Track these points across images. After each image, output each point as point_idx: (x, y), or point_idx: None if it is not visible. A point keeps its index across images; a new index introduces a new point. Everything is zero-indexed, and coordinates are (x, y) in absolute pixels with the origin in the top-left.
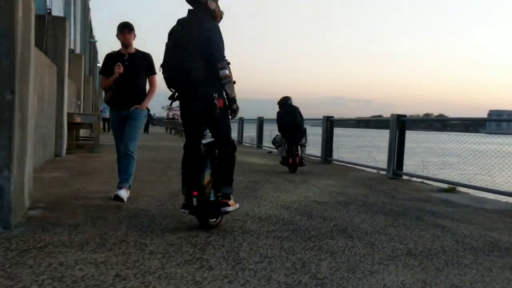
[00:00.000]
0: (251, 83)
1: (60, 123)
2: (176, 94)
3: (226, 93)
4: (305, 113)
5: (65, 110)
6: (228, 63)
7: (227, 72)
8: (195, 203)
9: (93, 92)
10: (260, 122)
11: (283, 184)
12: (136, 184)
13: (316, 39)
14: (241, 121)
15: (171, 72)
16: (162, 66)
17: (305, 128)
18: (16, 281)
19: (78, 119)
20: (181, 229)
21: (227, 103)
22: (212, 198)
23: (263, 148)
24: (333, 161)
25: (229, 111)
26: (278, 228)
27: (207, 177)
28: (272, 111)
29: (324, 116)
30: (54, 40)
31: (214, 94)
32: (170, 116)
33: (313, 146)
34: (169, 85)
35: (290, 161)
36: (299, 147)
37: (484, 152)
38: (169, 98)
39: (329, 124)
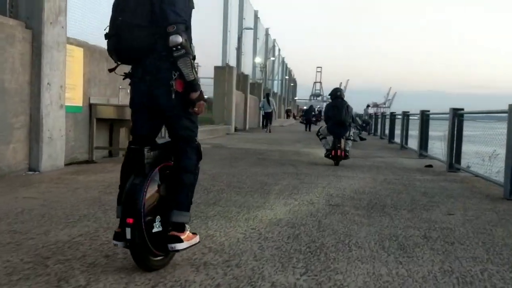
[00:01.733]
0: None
1: (36, 120)
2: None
3: (180, 73)
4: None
5: (48, 98)
6: (187, 28)
7: (179, 39)
8: (128, 234)
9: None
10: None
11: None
12: None
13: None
14: (406, 117)
15: (108, 29)
16: (110, 21)
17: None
18: None
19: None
20: (111, 269)
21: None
22: (157, 228)
23: (424, 156)
24: (461, 170)
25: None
26: None
27: (151, 195)
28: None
29: (450, 109)
30: None
31: (174, 72)
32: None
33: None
34: (108, 51)
35: (333, 153)
36: (342, 140)
37: None
38: (110, 71)
39: (458, 119)
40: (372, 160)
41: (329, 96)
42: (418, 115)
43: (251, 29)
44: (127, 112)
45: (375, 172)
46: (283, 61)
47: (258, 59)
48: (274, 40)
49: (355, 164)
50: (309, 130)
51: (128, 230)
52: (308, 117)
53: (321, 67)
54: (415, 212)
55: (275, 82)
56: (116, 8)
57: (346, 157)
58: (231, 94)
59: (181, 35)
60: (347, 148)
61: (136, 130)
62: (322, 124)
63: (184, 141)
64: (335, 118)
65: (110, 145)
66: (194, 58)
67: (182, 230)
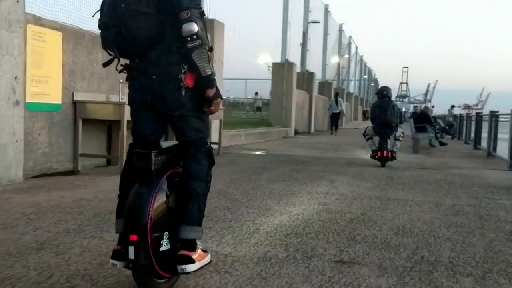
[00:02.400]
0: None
1: None
2: (118, 62)
3: (195, 66)
4: None
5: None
6: (202, 14)
7: (195, 27)
8: (132, 254)
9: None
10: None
11: None
12: None
13: None
14: (495, 117)
15: (103, 18)
16: (100, 9)
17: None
18: None
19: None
20: None
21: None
22: (165, 246)
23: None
24: None
25: (202, 101)
26: None
27: (158, 207)
28: None
29: None
30: None
31: (183, 65)
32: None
33: None
34: (102, 42)
35: (379, 154)
36: (388, 140)
37: None
38: (104, 65)
39: None
40: (445, 172)
41: (414, 98)
42: (509, 116)
43: (317, 22)
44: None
45: (442, 193)
46: (361, 60)
47: (335, 58)
48: (350, 37)
49: (420, 178)
50: None
51: (131, 249)
52: None
53: (407, 67)
54: (489, 281)
55: (352, 82)
56: None
57: (393, 158)
58: (290, 93)
59: (196, 23)
60: (395, 149)
61: (137, 131)
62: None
63: (194, 144)
64: (380, 118)
65: (108, 152)
66: (211, 49)
67: (194, 248)
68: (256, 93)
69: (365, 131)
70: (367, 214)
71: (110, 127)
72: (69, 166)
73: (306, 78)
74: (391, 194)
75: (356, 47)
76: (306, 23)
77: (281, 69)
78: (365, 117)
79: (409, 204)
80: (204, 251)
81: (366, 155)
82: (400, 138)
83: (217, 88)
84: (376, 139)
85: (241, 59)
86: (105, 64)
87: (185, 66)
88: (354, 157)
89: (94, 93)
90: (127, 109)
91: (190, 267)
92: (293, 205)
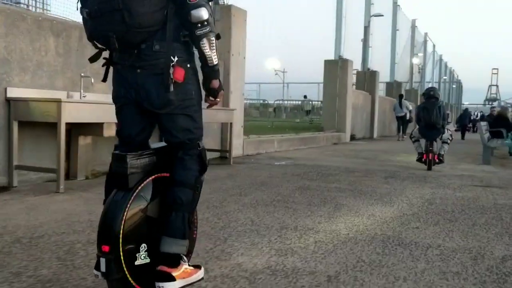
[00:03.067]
0: None
1: None
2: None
3: (202, 55)
4: None
5: None
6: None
7: (205, 14)
8: (103, 266)
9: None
10: None
11: None
12: None
13: None
14: None
15: (94, 5)
16: None
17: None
18: None
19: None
20: None
21: (197, 76)
22: (142, 260)
23: None
24: None
25: (200, 94)
26: None
27: (134, 216)
28: None
29: None
30: None
31: (172, 57)
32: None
33: None
34: (90, 34)
35: (424, 157)
36: (434, 142)
37: None
38: (91, 60)
39: None
40: None
41: (505, 101)
42: None
43: (380, 15)
44: (98, 112)
45: (494, 232)
46: (440, 59)
47: (407, 57)
48: (426, 34)
49: (473, 203)
50: (463, 139)
51: (102, 261)
52: (462, 123)
53: (497, 69)
54: None
55: (430, 83)
56: None
57: (440, 161)
58: (344, 94)
59: (206, 8)
60: (442, 152)
61: (122, 131)
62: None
63: (182, 146)
64: (424, 119)
65: (68, 164)
66: (218, 37)
67: (176, 264)
68: (305, 96)
69: (411, 133)
70: (335, 283)
71: (70, 132)
72: (4, 181)
73: (367, 77)
74: (410, 233)
75: (434, 46)
76: (368, 16)
77: (333, 67)
78: None
79: (429, 256)
80: (196, 266)
81: (419, 165)
82: (448, 141)
83: (219, 80)
84: (423, 141)
85: (286, 59)
86: (92, 59)
87: (174, 59)
88: (402, 169)
89: (44, 89)
90: (72, 108)
91: (169, 285)
92: (235, 252)
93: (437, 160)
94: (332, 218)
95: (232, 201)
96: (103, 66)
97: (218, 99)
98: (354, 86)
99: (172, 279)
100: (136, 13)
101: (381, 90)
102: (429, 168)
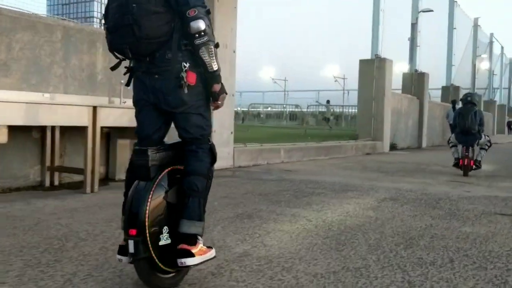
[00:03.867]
0: None
1: None
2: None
3: (202, 62)
4: None
5: None
6: (208, 12)
7: (202, 25)
8: (131, 248)
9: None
10: None
11: None
12: None
13: None
14: None
15: (111, 21)
16: (104, 15)
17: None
18: None
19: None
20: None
21: (200, 80)
22: (165, 241)
23: None
24: None
25: (209, 96)
26: None
27: (157, 203)
28: None
29: None
30: None
31: (184, 63)
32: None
33: None
34: (110, 46)
35: (460, 162)
36: (470, 148)
37: None
38: (112, 69)
39: None
40: None
41: None
42: None
43: (430, 11)
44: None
45: None
46: (510, 63)
47: (468, 58)
48: (492, 34)
49: (480, 246)
50: None
51: (130, 243)
52: None
53: None
54: None
55: (498, 89)
56: None
57: (477, 167)
58: (382, 97)
59: (203, 20)
60: (479, 158)
61: (141, 131)
62: None
63: (195, 141)
64: (459, 125)
65: (41, 171)
66: (217, 45)
67: (194, 243)
68: (328, 101)
69: (449, 139)
70: None
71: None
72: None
73: (415, 80)
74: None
75: (502, 48)
76: (416, 12)
77: (369, 68)
78: (510, 129)
79: None
80: (209, 247)
81: (455, 189)
82: (486, 147)
83: (222, 84)
84: (460, 147)
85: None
86: (113, 68)
87: (186, 64)
88: (417, 187)
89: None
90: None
91: (190, 261)
92: None
93: (473, 166)
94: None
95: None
96: (124, 74)
97: (219, 102)
98: (401, 90)
99: (192, 255)
100: (144, 27)
101: (436, 97)
102: (465, 174)
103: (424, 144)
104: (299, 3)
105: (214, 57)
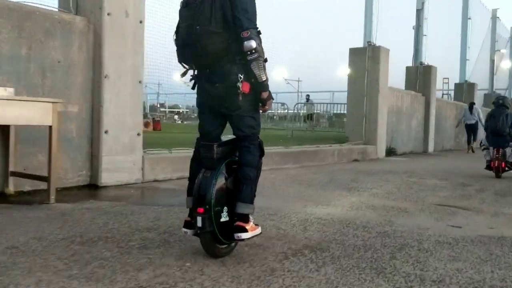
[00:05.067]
0: None
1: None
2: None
3: (253, 74)
4: None
5: None
6: (259, 33)
7: (254, 44)
8: (199, 223)
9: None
10: None
11: None
12: None
13: None
14: None
15: (181, 39)
16: (176, 31)
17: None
18: None
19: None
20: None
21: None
22: (224, 218)
23: None
24: None
25: (258, 101)
26: None
27: (219, 187)
28: None
29: None
30: None
31: (239, 75)
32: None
33: None
34: (179, 59)
35: (491, 164)
36: (501, 150)
37: None
38: (182, 76)
39: None
40: None
41: None
42: None
43: None
44: None
45: None
46: None
47: (485, 53)
48: None
49: None
50: None
51: (199, 219)
52: None
53: None
54: None
55: None
56: (192, 17)
57: (509, 169)
58: (376, 94)
59: (255, 40)
60: (511, 160)
61: (202, 128)
62: None
63: (248, 138)
64: (490, 127)
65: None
66: (266, 60)
67: (247, 220)
68: (308, 96)
69: (481, 141)
70: None
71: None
72: None
73: (420, 74)
74: None
75: None
76: None
77: (361, 58)
78: None
79: None
80: (256, 225)
81: (419, 215)
82: None
83: (269, 91)
84: (492, 149)
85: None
86: (182, 75)
87: (241, 76)
88: (388, 220)
89: None
90: None
91: (244, 235)
92: None
93: (505, 168)
94: None
95: None
96: (190, 80)
97: (267, 107)
98: (404, 86)
99: (246, 230)
100: (205, 44)
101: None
102: (498, 176)
103: (430, 149)
104: None
105: (263, 70)
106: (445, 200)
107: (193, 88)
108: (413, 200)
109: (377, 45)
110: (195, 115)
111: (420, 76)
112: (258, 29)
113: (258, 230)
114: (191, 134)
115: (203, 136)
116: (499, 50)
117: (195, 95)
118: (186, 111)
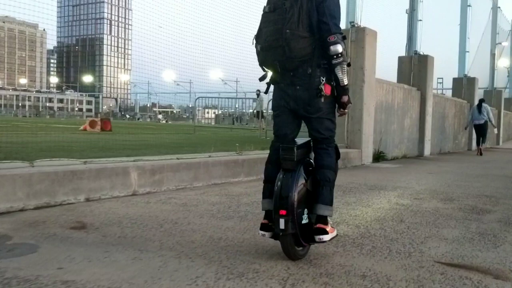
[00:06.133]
0: None
1: None
2: (270, 75)
3: (336, 78)
4: None
5: None
6: (344, 37)
7: (340, 48)
8: (282, 225)
9: None
10: None
11: None
12: None
13: None
14: None
15: (265, 42)
16: (256, 35)
17: None
18: None
19: None
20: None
21: (335, 92)
22: (305, 220)
23: None
24: None
25: (336, 105)
26: None
27: (299, 189)
28: None
29: None
30: None
31: (322, 78)
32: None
33: None
34: (261, 62)
35: None
36: None
37: None
38: (260, 80)
39: None
40: None
41: None
42: None
43: None
44: None
45: None
46: None
47: (486, 44)
48: None
49: None
50: None
51: (281, 221)
52: None
53: None
54: None
55: None
56: (281, 21)
57: None
58: (359, 85)
59: (341, 44)
60: None
61: (279, 131)
62: None
63: (326, 140)
64: None
65: None
66: (349, 65)
67: (327, 222)
68: (258, 91)
69: None
70: None
71: None
72: None
73: (415, 64)
74: None
75: None
76: None
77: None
78: None
79: None
80: (333, 227)
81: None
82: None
83: (349, 96)
84: None
85: None
86: (261, 79)
87: (323, 78)
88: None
89: None
90: None
91: (325, 237)
92: None
93: None
94: None
95: None
96: (267, 83)
97: (346, 110)
98: (396, 80)
99: (326, 232)
100: (293, 48)
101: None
102: None
103: (426, 152)
104: None
105: (346, 74)
106: (455, 251)
107: (266, 92)
108: (402, 254)
109: (361, 26)
110: (187, 115)
111: (414, 68)
112: (343, 34)
113: (335, 232)
114: (153, 135)
115: (279, 138)
116: (500, 43)
117: (188, 95)
118: (178, 111)
